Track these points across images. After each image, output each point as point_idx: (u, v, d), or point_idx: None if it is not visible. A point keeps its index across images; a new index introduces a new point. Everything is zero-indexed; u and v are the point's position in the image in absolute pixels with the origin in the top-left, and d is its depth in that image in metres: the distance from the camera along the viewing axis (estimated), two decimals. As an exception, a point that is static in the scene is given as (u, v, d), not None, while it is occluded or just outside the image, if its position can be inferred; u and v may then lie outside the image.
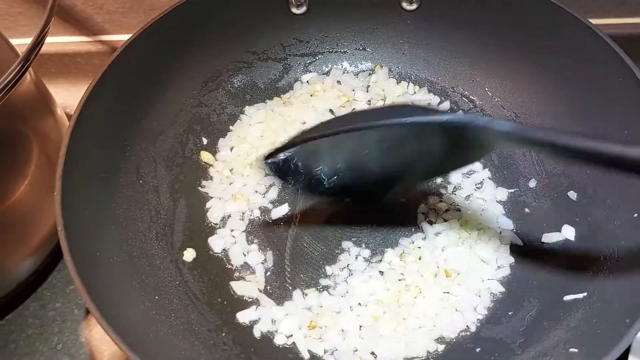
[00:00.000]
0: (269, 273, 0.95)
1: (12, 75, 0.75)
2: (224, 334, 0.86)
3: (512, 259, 0.93)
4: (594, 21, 0.93)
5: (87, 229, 0.82)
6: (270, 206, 1.02)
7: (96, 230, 0.84)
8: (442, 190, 1.01)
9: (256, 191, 1.03)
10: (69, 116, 0.91)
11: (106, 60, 0.91)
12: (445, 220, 0.97)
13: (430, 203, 1.00)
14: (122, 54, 0.93)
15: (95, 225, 0.84)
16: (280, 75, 1.17)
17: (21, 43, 0.91)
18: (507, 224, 0.97)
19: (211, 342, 0.84)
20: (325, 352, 0.86)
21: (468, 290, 0.90)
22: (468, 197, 1.00)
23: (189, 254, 0.94)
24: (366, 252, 0.95)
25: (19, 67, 0.76)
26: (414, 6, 1.10)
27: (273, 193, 1.03)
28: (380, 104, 1.13)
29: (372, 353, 0.85)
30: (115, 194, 0.90)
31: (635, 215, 0.82)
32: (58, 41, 1.36)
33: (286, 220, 1.00)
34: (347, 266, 0.94)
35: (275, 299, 0.91)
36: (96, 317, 0.69)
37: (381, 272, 0.92)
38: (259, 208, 1.01)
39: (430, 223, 0.97)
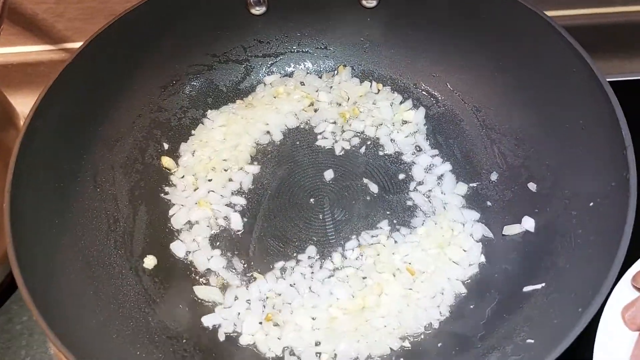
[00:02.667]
0: (232, 275, 0.94)
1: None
2: (184, 340, 0.85)
3: (483, 258, 0.93)
4: (549, 13, 0.93)
5: (40, 239, 0.81)
6: (232, 211, 1.01)
7: (50, 241, 0.82)
8: (406, 186, 1.01)
9: (222, 196, 1.02)
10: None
11: (57, 69, 0.90)
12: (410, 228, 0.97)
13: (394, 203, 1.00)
14: (75, 61, 0.92)
15: (50, 236, 0.83)
16: (242, 77, 1.16)
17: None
18: (473, 214, 0.97)
19: (171, 350, 0.83)
20: (284, 349, 0.86)
21: (432, 287, 0.90)
22: (430, 191, 1.00)
23: (150, 261, 0.93)
24: (327, 253, 0.95)
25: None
26: (373, 3, 1.09)
27: (238, 199, 1.02)
28: (343, 104, 1.13)
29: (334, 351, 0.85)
30: (70, 204, 0.89)
31: (591, 204, 0.82)
32: (20, 51, 1.34)
33: (250, 224, 0.99)
34: (310, 266, 0.94)
35: (239, 301, 0.91)
36: (46, 331, 0.68)
37: (346, 275, 0.92)
38: (223, 214, 1.00)
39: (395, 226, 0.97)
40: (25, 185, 0.81)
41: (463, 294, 0.89)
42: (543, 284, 0.81)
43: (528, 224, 0.91)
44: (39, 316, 0.69)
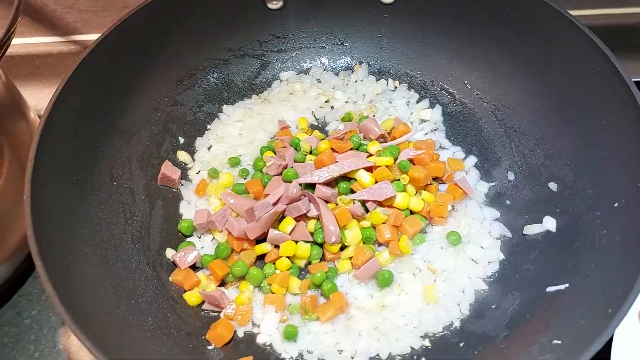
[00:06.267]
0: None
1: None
2: (203, 337, 0.84)
3: (502, 255, 0.92)
4: (572, 12, 0.92)
5: (59, 232, 0.79)
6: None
7: (69, 234, 0.81)
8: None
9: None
10: (42, 118, 0.88)
11: (75, 60, 0.88)
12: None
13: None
14: (92, 53, 0.90)
15: (68, 229, 0.82)
16: (258, 72, 1.15)
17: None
18: (493, 212, 0.97)
19: (190, 346, 0.82)
20: (301, 351, 0.85)
21: (452, 286, 0.89)
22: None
23: (170, 253, 0.92)
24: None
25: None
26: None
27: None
28: (359, 102, 1.12)
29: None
30: (88, 197, 0.88)
31: (616, 204, 0.81)
32: (29, 42, 1.33)
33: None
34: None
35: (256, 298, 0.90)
36: (69, 324, 0.67)
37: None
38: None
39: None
40: (44, 177, 0.79)
41: (484, 294, 0.89)
42: (567, 285, 0.80)
43: (549, 223, 0.91)
44: (62, 309, 0.68)
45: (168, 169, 0.99)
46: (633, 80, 0.83)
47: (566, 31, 0.91)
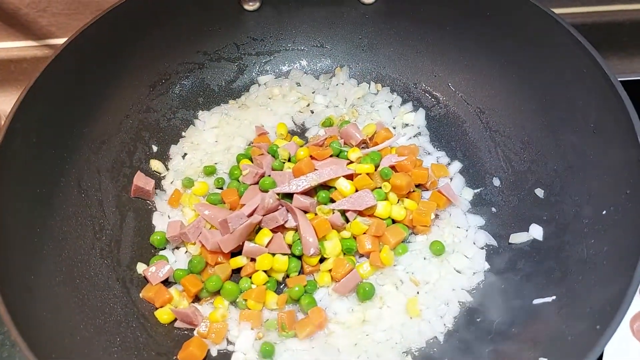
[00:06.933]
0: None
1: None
2: (175, 357, 0.80)
3: (487, 265, 0.89)
4: (558, 10, 0.89)
5: (21, 249, 0.75)
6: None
7: (32, 251, 0.77)
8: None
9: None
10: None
11: (40, 66, 0.84)
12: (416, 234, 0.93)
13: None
14: (58, 58, 0.86)
15: (31, 245, 0.78)
16: (235, 77, 1.11)
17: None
18: (478, 220, 0.94)
19: (161, 367, 0.78)
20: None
21: (436, 298, 0.86)
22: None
23: (141, 268, 0.88)
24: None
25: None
26: (372, -1, 1.05)
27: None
28: (340, 106, 1.08)
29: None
30: (53, 210, 0.84)
31: (604, 212, 0.78)
32: (2, 47, 1.29)
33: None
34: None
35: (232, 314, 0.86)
36: (24, 350, 0.63)
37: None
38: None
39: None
40: (4, 189, 0.75)
41: (468, 307, 0.85)
42: (554, 297, 0.77)
43: (536, 232, 0.87)
44: (16, 334, 0.64)
45: (140, 180, 0.95)
46: (620, 79, 0.80)
47: (551, 31, 0.88)
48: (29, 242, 0.78)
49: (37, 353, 0.63)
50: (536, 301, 0.79)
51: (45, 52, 1.29)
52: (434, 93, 1.08)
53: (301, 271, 0.89)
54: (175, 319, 0.84)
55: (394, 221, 0.92)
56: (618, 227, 0.75)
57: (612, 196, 0.78)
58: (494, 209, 0.94)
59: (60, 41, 1.30)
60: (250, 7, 1.06)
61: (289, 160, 0.98)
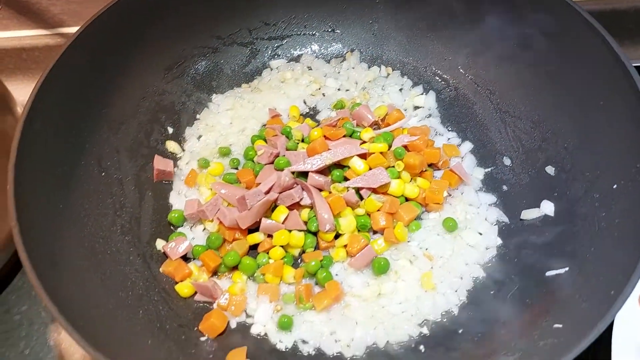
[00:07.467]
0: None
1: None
2: (196, 328, 0.82)
3: (499, 241, 0.91)
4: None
5: (46, 226, 0.77)
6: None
7: (55, 227, 0.79)
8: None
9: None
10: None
11: (58, 50, 0.86)
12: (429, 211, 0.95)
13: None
14: (75, 43, 0.88)
15: (55, 222, 0.79)
16: (248, 61, 1.13)
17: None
18: (489, 198, 0.95)
19: (183, 337, 0.80)
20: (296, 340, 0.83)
21: (450, 273, 0.88)
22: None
23: (160, 244, 0.90)
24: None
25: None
26: (382, -15, 1.07)
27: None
28: (352, 90, 1.10)
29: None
30: (75, 188, 0.85)
31: (615, 186, 0.80)
32: (14, 35, 1.30)
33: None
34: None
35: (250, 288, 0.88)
36: (56, 317, 0.65)
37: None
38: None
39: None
40: (28, 168, 0.77)
41: (482, 280, 0.87)
42: (567, 268, 0.79)
43: (547, 208, 0.89)
44: (48, 302, 0.65)
45: (160, 164, 0.97)
46: (634, 65, 0.81)
47: (562, 13, 0.89)
48: (53, 219, 0.79)
49: (68, 320, 0.65)
50: (549, 273, 0.81)
51: (57, 40, 1.30)
52: (444, 76, 1.10)
53: (317, 247, 0.91)
54: (195, 293, 0.86)
55: (407, 199, 0.94)
56: (628, 200, 0.77)
57: (622, 171, 0.79)
58: (505, 187, 0.96)
59: (72, 29, 1.31)
60: (263, -8, 1.08)
61: (303, 140, 0.99)
